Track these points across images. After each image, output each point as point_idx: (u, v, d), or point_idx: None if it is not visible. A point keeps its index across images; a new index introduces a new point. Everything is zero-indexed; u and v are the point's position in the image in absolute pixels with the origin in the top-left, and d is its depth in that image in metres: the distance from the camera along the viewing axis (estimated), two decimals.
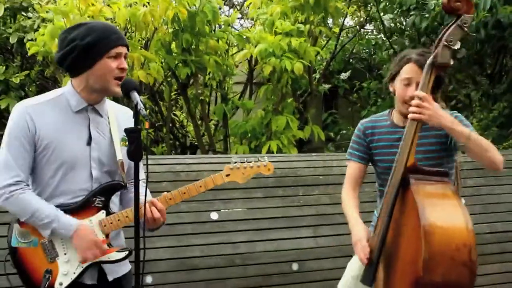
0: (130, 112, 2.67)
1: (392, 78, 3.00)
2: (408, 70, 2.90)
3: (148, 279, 3.98)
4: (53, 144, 2.56)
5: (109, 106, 2.75)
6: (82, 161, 2.61)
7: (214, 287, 4.16)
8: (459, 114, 2.94)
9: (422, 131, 2.80)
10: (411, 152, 2.67)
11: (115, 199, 2.75)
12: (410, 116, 2.65)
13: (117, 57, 2.57)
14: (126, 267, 2.78)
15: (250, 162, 2.81)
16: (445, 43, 2.64)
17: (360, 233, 2.87)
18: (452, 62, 2.69)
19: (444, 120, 2.65)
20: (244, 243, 4.30)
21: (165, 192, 2.71)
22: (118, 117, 2.73)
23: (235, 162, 2.79)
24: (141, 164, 2.57)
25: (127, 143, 2.56)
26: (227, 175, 2.79)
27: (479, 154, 2.71)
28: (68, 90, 2.65)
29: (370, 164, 3.18)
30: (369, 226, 3.08)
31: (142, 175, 2.65)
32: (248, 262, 4.27)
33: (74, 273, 2.60)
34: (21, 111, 2.58)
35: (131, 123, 2.48)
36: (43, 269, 2.60)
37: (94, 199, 2.63)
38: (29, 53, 5.55)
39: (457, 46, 2.65)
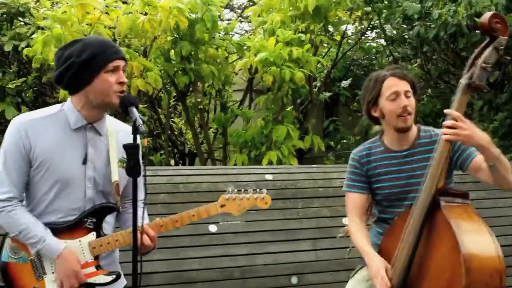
0: (130, 129, 2.64)
1: (374, 102, 2.96)
2: (390, 85, 2.90)
3: None
4: (48, 161, 2.56)
5: (110, 123, 2.73)
6: (77, 180, 2.61)
7: None
8: None
9: (424, 154, 2.83)
10: (442, 173, 2.65)
11: (109, 219, 2.73)
12: (445, 137, 2.61)
13: (115, 71, 2.56)
14: (121, 284, 2.78)
15: (247, 193, 2.77)
16: (483, 65, 2.62)
17: (379, 264, 2.77)
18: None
19: (481, 140, 2.60)
20: (243, 256, 4.29)
21: (157, 218, 2.71)
22: (118, 136, 2.71)
23: (231, 193, 2.76)
24: (141, 184, 2.56)
25: (124, 164, 2.57)
26: (222, 206, 2.76)
27: (502, 175, 2.68)
28: (67, 107, 2.64)
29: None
30: None
31: (141, 195, 2.63)
32: (247, 275, 4.25)
33: None
34: (16, 127, 2.58)
35: (130, 142, 2.47)
36: (31, 287, 2.60)
37: (85, 219, 2.62)
38: (33, 65, 5.55)
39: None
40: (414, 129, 3.01)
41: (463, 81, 2.67)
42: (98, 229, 2.65)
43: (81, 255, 2.62)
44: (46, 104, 6.80)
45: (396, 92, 2.88)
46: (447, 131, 2.59)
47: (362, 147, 3.13)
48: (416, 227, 2.65)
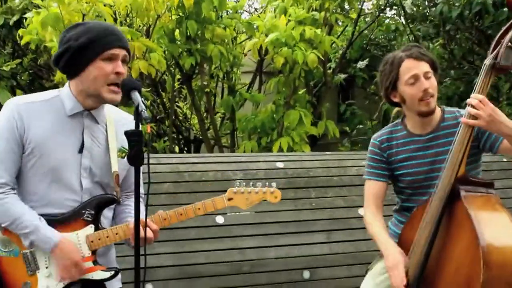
0: (131, 118, 2.65)
1: (393, 87, 2.95)
2: (408, 68, 2.88)
3: (149, 287, 4.00)
4: (42, 148, 2.56)
5: (108, 111, 2.73)
6: (72, 169, 2.60)
7: None
8: None
9: (450, 137, 2.81)
10: (463, 161, 2.63)
11: (107, 213, 2.74)
12: (464, 120, 2.61)
13: (113, 59, 2.55)
14: (117, 283, 2.79)
15: (256, 187, 2.80)
16: (510, 44, 2.60)
17: (397, 257, 2.78)
18: None
19: (504, 127, 2.59)
20: (252, 249, 4.30)
21: (160, 211, 2.73)
22: (118, 124, 2.71)
23: (239, 185, 2.78)
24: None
25: (123, 154, 2.58)
26: (230, 199, 2.78)
27: None
28: (64, 92, 2.65)
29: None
30: None
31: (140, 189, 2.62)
32: (256, 270, 4.26)
33: None
34: (10, 110, 2.58)
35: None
36: (21, 282, 2.60)
37: (83, 211, 2.62)
38: (22, 43, 5.58)
39: None
40: (438, 111, 2.99)
41: (487, 61, 2.65)
42: (96, 222, 2.64)
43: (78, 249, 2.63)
44: (42, 88, 6.85)
45: (414, 76, 2.86)
46: (470, 111, 2.58)
47: (383, 131, 3.13)
48: (434, 218, 2.65)
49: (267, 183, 2.83)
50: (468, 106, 2.61)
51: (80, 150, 2.62)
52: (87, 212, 2.63)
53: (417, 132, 3.00)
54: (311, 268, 4.37)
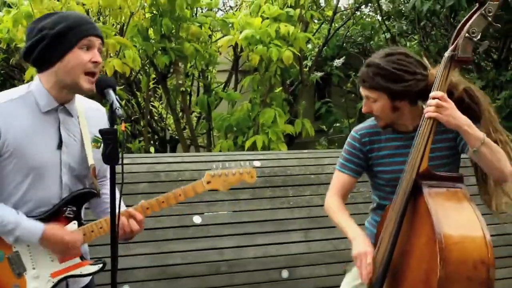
0: (101, 108, 2.66)
1: None
2: (361, 89, 2.91)
3: None
4: (21, 150, 2.50)
5: (78, 102, 2.67)
6: (52, 167, 2.57)
7: None
8: None
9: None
10: (425, 155, 2.61)
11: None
12: (427, 114, 2.58)
13: (90, 48, 2.51)
14: (87, 278, 2.77)
15: (232, 169, 2.84)
16: (467, 34, 2.56)
17: (364, 246, 2.75)
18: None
19: (460, 122, 2.56)
20: (230, 249, 4.30)
21: (143, 201, 2.72)
22: (87, 114, 2.67)
23: (217, 168, 2.82)
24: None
25: (98, 144, 2.56)
26: (208, 183, 2.82)
27: (489, 163, 2.61)
28: (36, 87, 2.57)
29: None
30: None
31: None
32: (234, 270, 4.26)
33: None
34: None
35: (102, 121, 2.48)
36: (10, 285, 2.56)
37: (64, 208, 2.59)
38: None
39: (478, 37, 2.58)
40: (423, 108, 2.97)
41: (446, 53, 2.62)
42: (79, 217, 2.63)
43: None
44: None
45: (364, 97, 2.90)
46: (430, 109, 2.56)
47: (365, 125, 3.07)
48: (397, 214, 2.63)
49: (241, 163, 2.88)
50: (429, 102, 2.59)
51: (59, 146, 2.58)
52: (68, 209, 2.60)
53: (400, 129, 2.96)
54: (290, 267, 4.38)
